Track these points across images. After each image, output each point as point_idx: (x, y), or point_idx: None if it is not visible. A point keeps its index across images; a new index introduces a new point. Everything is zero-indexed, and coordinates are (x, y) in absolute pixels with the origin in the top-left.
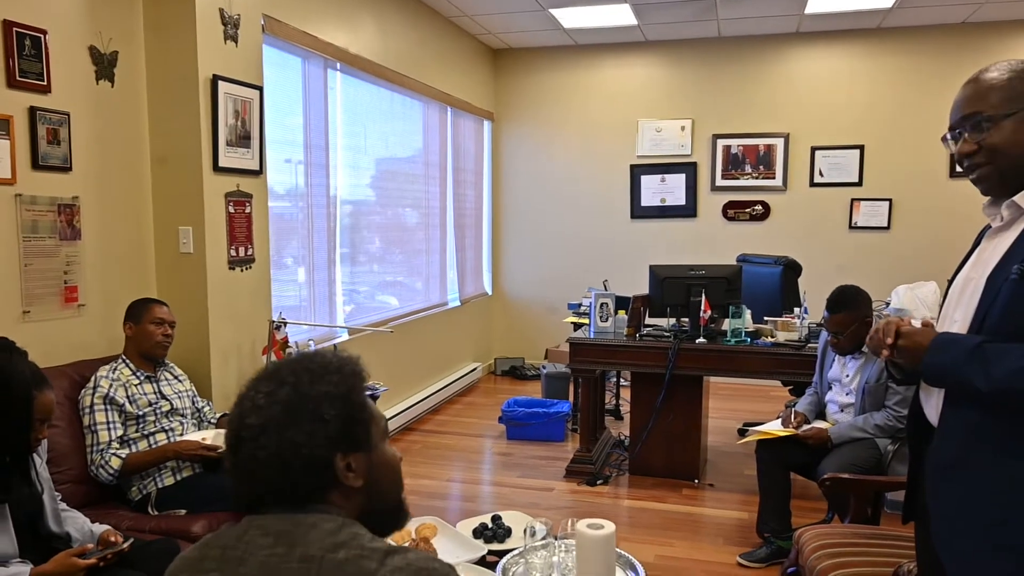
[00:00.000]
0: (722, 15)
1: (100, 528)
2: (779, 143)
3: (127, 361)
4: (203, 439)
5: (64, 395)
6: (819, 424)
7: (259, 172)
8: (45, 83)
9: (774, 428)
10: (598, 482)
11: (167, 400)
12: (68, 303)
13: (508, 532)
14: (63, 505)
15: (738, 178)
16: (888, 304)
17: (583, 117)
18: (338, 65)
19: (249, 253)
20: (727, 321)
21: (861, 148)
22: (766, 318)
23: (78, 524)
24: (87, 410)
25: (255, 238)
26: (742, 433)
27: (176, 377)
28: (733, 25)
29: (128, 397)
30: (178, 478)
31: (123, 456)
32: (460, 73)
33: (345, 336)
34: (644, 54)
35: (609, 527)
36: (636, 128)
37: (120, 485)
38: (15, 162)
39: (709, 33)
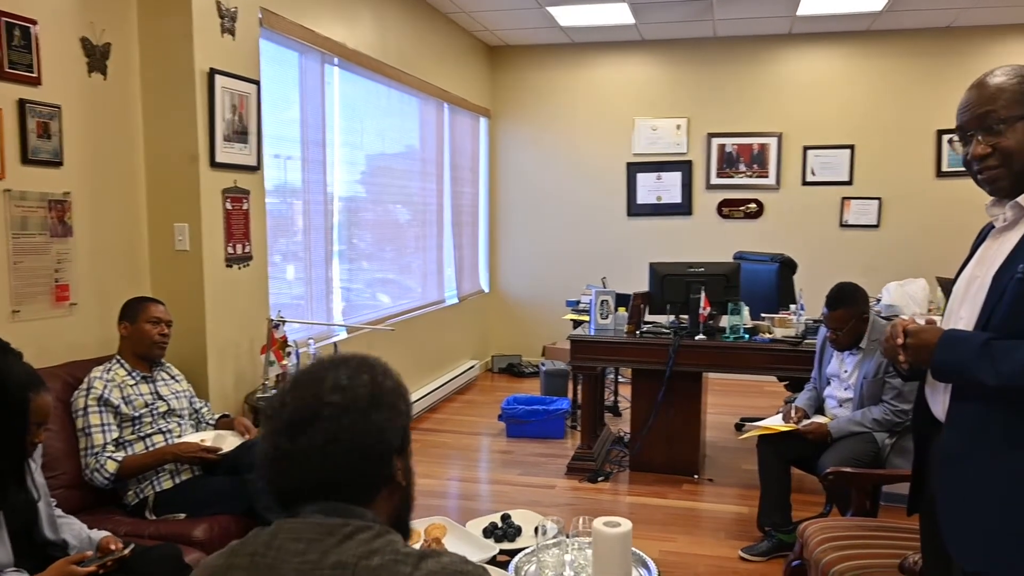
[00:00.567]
0: (718, 15)
1: (98, 534)
2: (772, 142)
3: (122, 361)
4: (202, 440)
5: (56, 397)
6: (818, 419)
7: (256, 168)
8: (35, 75)
9: (775, 423)
10: (599, 479)
11: (164, 401)
12: (59, 302)
13: (518, 531)
14: (59, 511)
15: (732, 176)
16: (879, 301)
17: (579, 115)
18: (336, 60)
19: (247, 250)
20: (726, 318)
21: (851, 148)
22: (763, 315)
23: (75, 531)
24: (80, 412)
25: (253, 235)
26: (739, 428)
27: (173, 377)
28: (728, 25)
29: (123, 398)
30: (177, 481)
31: (119, 459)
32: (457, 69)
33: (343, 334)
34: (640, 53)
35: (626, 525)
36: (632, 126)
37: (115, 489)
38: (4, 156)
39: (705, 33)
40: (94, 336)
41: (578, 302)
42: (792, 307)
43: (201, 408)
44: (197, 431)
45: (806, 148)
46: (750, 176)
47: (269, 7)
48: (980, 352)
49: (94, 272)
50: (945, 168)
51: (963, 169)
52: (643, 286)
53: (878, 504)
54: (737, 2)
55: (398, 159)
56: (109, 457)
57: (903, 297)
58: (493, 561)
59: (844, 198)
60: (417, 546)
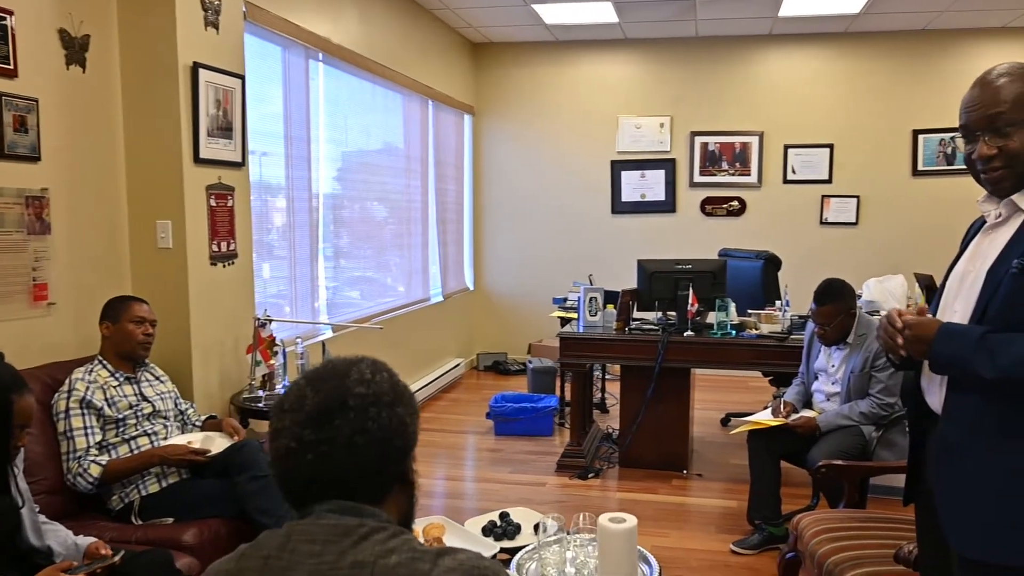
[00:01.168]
0: (701, 15)
1: (85, 541)
2: (754, 141)
3: (104, 362)
4: (189, 443)
5: (36, 399)
6: (807, 413)
7: (241, 164)
8: (12, 67)
9: (764, 418)
10: (589, 475)
11: (149, 402)
12: (37, 301)
13: (518, 529)
14: (43, 517)
15: (715, 175)
16: (860, 297)
17: (563, 113)
18: (320, 55)
19: (232, 248)
20: (713, 314)
21: (831, 147)
22: (749, 311)
23: (60, 537)
24: (62, 415)
25: (238, 232)
26: (724, 423)
27: (157, 378)
28: (711, 25)
29: (107, 400)
30: (164, 484)
31: (103, 463)
32: (441, 66)
33: (329, 333)
34: (624, 52)
35: (631, 520)
36: (616, 124)
37: (99, 494)
38: None
39: (688, 33)
40: (74, 336)
41: (565, 299)
42: (777, 303)
43: (187, 409)
44: (183, 433)
45: (787, 147)
46: (732, 174)
47: (253, 0)
48: (978, 345)
49: (73, 271)
50: (921, 167)
51: (938, 168)
52: (628, 283)
53: (866, 496)
54: (720, 2)
55: (382, 156)
56: (92, 461)
57: (882, 293)
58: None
59: (824, 196)
60: None
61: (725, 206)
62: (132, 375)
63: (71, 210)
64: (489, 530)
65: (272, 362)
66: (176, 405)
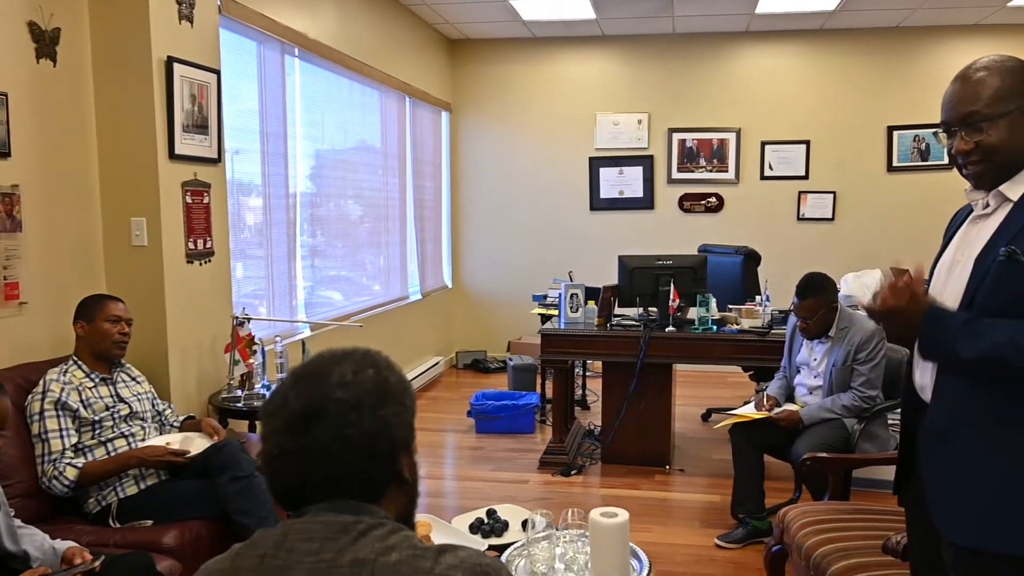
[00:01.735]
0: (678, 12)
1: (62, 545)
2: (731, 137)
3: (79, 362)
4: (168, 444)
5: (10, 401)
6: (789, 407)
7: (218, 160)
8: None
9: (747, 412)
10: (572, 472)
11: (125, 403)
12: (8, 301)
13: (505, 526)
14: (18, 522)
15: (693, 171)
16: (838, 291)
17: (541, 110)
18: (296, 51)
19: (208, 246)
20: (694, 310)
21: (807, 143)
22: (730, 306)
23: (37, 541)
24: (36, 417)
25: (214, 230)
26: (705, 419)
27: (134, 379)
28: (688, 22)
29: (82, 401)
30: (142, 486)
31: (79, 465)
32: (418, 62)
33: (307, 332)
34: (601, 48)
35: (623, 515)
36: (594, 121)
37: (75, 497)
38: None
39: (665, 29)
40: (46, 336)
41: (545, 296)
42: (757, 298)
43: (165, 410)
44: (161, 434)
45: (764, 143)
46: (710, 171)
47: None
48: (962, 327)
49: (46, 269)
50: (896, 163)
51: (913, 164)
52: (607, 279)
53: (849, 488)
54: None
55: (359, 153)
56: (68, 463)
57: (860, 288)
58: None
59: (801, 192)
60: None
61: (703, 202)
62: (108, 376)
63: (43, 207)
64: (476, 527)
65: (251, 361)
66: (153, 406)
